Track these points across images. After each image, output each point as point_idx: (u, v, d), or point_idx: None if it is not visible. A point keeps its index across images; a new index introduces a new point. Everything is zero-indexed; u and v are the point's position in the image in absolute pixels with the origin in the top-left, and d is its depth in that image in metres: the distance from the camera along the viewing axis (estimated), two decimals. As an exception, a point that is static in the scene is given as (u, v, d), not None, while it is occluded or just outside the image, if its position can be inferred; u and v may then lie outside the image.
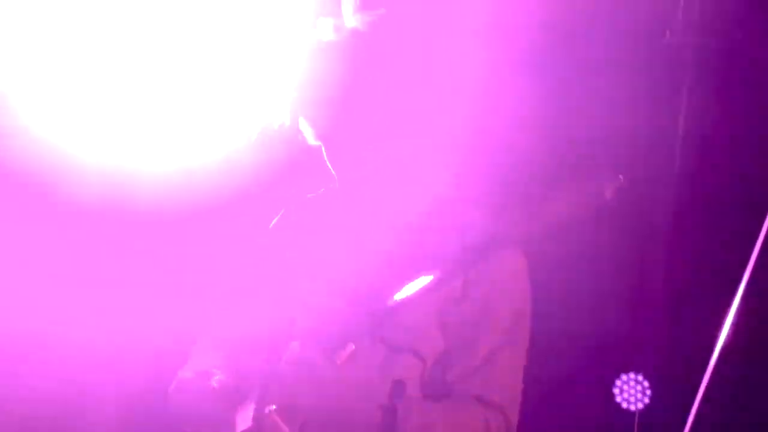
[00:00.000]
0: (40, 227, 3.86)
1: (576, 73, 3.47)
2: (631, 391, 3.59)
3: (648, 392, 3.42)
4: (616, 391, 3.62)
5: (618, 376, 3.62)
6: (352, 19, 2.56)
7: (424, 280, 2.54)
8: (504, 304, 2.56)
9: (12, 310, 3.76)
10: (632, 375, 3.34)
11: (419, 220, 2.62)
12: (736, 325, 2.34)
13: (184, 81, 3.53)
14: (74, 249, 3.89)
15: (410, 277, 2.53)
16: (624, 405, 3.59)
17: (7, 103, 3.65)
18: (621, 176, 2.54)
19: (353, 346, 2.46)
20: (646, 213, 3.41)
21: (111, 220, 3.88)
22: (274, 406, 2.44)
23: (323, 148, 2.58)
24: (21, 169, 3.76)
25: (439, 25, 2.52)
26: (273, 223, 2.82)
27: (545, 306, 3.21)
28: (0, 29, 3.55)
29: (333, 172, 2.62)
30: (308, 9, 2.79)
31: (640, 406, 3.33)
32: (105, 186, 3.81)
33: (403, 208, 2.64)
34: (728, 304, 2.30)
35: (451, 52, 2.53)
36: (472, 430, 2.50)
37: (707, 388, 2.34)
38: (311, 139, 2.57)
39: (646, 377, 3.53)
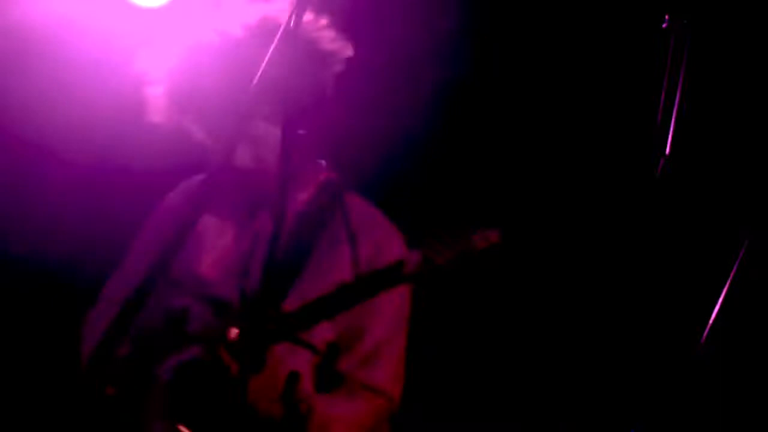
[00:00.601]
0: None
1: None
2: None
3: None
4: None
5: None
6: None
7: (313, 272, 2.71)
8: (390, 297, 2.70)
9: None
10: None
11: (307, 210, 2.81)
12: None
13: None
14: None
15: (300, 269, 2.70)
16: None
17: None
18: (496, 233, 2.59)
19: (238, 330, 2.58)
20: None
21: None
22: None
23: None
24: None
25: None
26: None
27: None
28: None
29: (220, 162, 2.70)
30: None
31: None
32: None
33: (294, 205, 2.81)
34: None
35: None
36: (363, 416, 2.71)
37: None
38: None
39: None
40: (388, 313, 2.78)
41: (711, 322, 2.38)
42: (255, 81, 2.21)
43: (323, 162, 2.95)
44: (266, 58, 2.02)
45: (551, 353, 3.87)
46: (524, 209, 3.90)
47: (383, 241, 2.79)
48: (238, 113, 2.64)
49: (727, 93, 3.27)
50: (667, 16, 2.03)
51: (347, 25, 2.91)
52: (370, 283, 2.56)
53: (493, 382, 3.96)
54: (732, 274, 2.46)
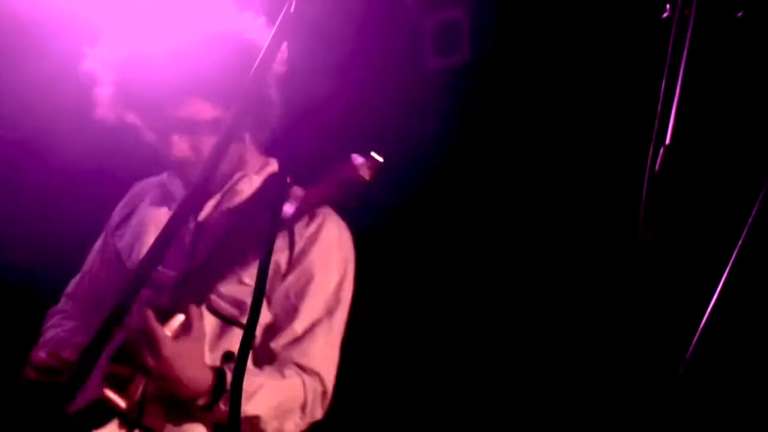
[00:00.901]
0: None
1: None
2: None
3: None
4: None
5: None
6: None
7: (250, 257, 2.76)
8: (324, 278, 2.86)
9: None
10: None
11: (244, 201, 2.92)
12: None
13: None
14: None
15: (238, 254, 2.77)
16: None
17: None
18: (375, 154, 2.61)
19: (183, 317, 2.68)
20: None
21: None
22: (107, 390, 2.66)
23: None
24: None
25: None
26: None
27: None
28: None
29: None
30: None
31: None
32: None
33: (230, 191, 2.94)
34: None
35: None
36: (292, 391, 2.79)
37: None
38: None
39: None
40: (322, 296, 2.86)
41: (704, 322, 2.36)
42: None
43: (273, 159, 3.04)
44: (266, 44, 2.01)
45: (549, 353, 3.88)
46: (522, 207, 3.90)
47: (320, 227, 2.88)
48: (178, 111, 2.81)
49: (728, 84, 3.26)
50: (668, 5, 2.02)
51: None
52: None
53: (491, 383, 3.98)
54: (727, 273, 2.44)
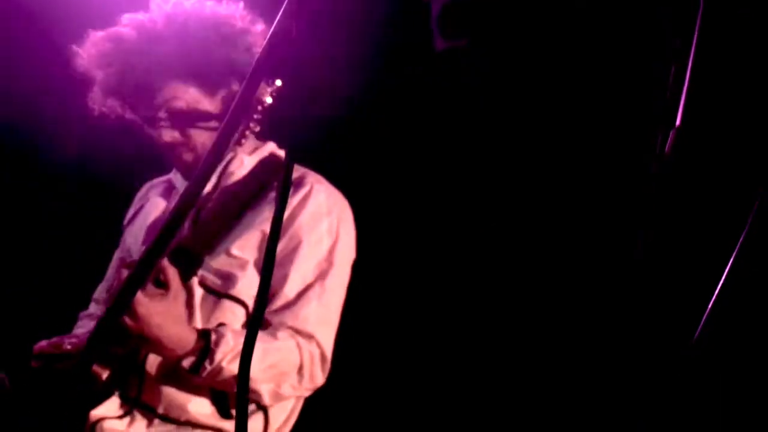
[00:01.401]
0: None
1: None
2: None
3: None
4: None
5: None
6: None
7: (237, 229, 2.82)
8: (313, 242, 2.85)
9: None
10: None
11: (236, 182, 2.91)
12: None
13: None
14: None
15: (226, 228, 2.81)
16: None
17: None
18: (278, 80, 2.66)
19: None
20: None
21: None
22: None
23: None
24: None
25: None
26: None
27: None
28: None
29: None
30: None
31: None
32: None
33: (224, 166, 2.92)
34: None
35: None
36: (285, 353, 2.76)
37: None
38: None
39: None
40: (313, 260, 2.85)
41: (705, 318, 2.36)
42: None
43: (270, 142, 3.04)
44: (273, 26, 1.96)
45: (549, 353, 3.87)
46: (520, 204, 3.89)
47: (307, 195, 2.89)
48: (162, 100, 2.84)
49: (738, 68, 3.24)
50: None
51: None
52: None
53: (490, 383, 3.97)
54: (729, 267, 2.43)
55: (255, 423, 2.83)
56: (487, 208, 3.95)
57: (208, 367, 2.68)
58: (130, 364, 2.78)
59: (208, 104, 2.88)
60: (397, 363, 4.11)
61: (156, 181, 3.22)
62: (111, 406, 2.79)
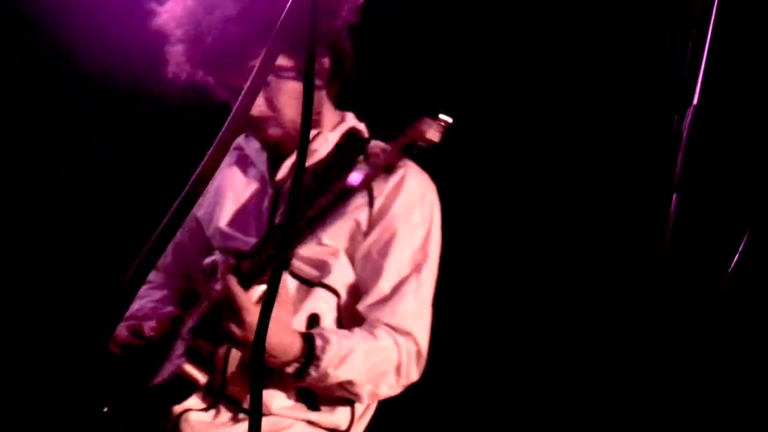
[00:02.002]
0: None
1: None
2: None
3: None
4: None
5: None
6: None
7: (329, 217, 2.71)
8: (408, 232, 2.76)
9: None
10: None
11: (320, 160, 2.83)
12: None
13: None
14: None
15: (316, 215, 2.69)
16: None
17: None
18: (444, 116, 2.57)
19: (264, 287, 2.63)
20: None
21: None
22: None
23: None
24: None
25: None
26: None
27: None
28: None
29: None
30: None
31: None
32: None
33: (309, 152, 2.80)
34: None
35: None
36: (385, 353, 2.69)
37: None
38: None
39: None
40: (408, 251, 2.78)
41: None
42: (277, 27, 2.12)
43: (349, 113, 2.95)
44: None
45: (549, 353, 3.87)
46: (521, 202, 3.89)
47: (401, 182, 2.80)
48: (252, 64, 2.69)
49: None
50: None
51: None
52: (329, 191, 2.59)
53: (491, 383, 3.96)
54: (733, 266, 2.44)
55: (341, 416, 2.81)
56: (487, 207, 3.95)
57: (313, 374, 2.64)
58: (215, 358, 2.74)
59: (299, 77, 2.77)
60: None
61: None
62: (194, 399, 2.74)
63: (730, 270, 2.25)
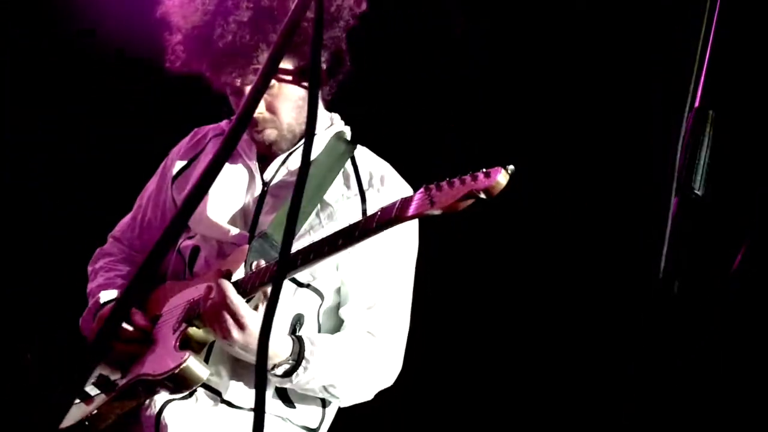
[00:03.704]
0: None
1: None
2: None
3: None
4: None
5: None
6: None
7: (322, 222, 2.78)
8: (395, 243, 2.80)
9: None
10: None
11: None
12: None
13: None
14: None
15: (305, 217, 2.76)
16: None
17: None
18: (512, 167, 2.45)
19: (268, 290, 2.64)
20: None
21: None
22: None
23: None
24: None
25: None
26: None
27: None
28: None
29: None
30: None
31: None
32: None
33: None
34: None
35: None
36: (366, 359, 2.77)
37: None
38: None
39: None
40: (393, 262, 2.84)
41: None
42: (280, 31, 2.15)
43: (336, 115, 2.97)
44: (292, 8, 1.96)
45: (550, 353, 3.87)
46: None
47: (392, 197, 2.76)
48: (256, 63, 2.73)
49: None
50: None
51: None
52: (369, 223, 2.54)
53: (491, 383, 3.96)
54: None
55: (313, 414, 2.86)
56: (486, 207, 3.94)
57: (301, 376, 2.69)
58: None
59: (301, 82, 2.81)
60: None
61: (209, 129, 3.10)
62: (202, 397, 2.80)
63: (731, 271, 2.25)
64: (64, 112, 4.27)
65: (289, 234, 1.69)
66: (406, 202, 2.48)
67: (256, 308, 2.65)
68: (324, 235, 2.66)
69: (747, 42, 3.05)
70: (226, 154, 1.65)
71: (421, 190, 2.47)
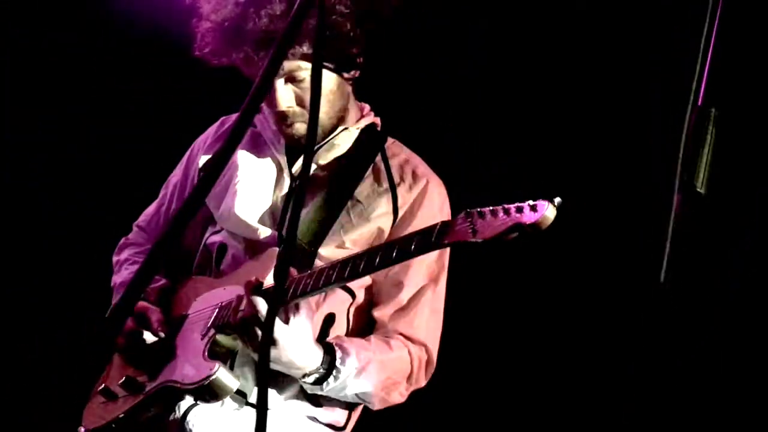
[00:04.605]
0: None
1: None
2: None
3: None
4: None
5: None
6: None
7: (353, 218, 2.75)
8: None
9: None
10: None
11: (340, 155, 2.81)
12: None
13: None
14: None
15: (336, 215, 2.73)
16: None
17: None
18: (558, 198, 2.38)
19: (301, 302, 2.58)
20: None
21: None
22: None
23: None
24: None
25: None
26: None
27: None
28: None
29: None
30: None
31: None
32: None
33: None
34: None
35: None
36: (399, 363, 2.74)
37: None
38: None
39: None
40: (425, 263, 2.80)
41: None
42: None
43: (366, 105, 2.95)
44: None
45: (550, 353, 3.87)
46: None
47: (424, 192, 2.81)
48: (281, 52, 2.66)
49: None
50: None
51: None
52: (407, 246, 2.44)
53: (491, 383, 3.96)
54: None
55: (340, 413, 2.83)
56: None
57: (333, 384, 2.66)
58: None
59: (331, 77, 2.79)
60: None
61: (229, 125, 3.05)
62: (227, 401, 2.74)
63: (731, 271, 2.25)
64: (64, 112, 4.26)
65: (287, 258, 1.68)
66: (446, 227, 2.38)
67: (287, 321, 2.58)
68: (355, 234, 2.67)
69: (749, 40, 3.05)
70: (236, 140, 1.66)
71: (462, 215, 2.37)
